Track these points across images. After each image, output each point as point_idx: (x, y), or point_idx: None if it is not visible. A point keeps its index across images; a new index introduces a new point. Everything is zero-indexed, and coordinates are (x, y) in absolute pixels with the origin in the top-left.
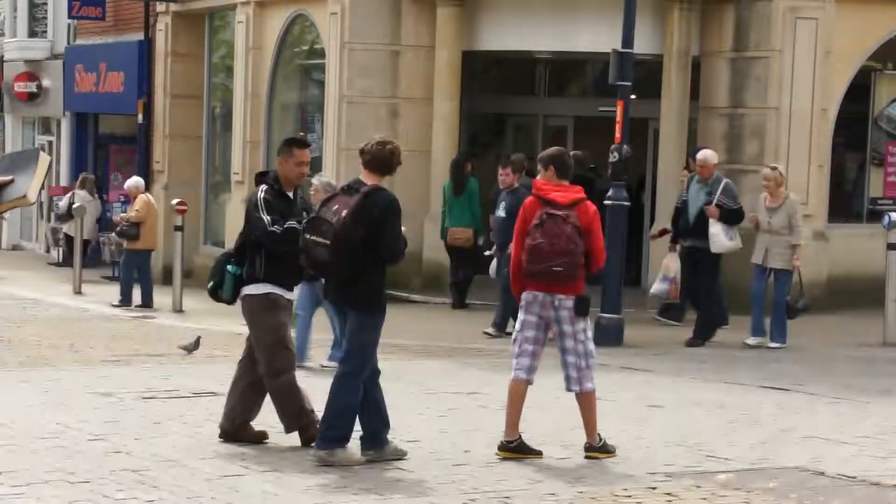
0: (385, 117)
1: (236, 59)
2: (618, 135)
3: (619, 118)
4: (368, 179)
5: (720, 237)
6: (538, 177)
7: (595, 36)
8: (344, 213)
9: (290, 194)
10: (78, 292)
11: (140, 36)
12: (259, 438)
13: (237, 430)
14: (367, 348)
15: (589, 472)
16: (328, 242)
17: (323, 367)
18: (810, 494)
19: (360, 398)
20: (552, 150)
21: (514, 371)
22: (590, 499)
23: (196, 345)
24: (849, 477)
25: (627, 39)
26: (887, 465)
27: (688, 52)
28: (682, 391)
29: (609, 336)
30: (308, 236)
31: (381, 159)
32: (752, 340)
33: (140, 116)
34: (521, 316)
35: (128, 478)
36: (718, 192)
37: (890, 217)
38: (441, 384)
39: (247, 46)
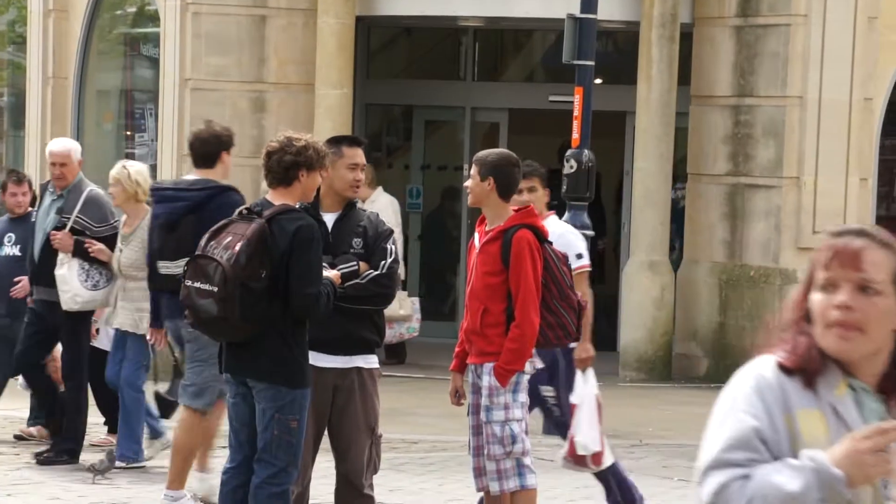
0: (246, 110)
1: (30, 25)
2: (576, 135)
3: (577, 112)
4: (275, 199)
5: (73, 283)
6: (490, 197)
7: None
8: (238, 247)
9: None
10: None
11: None
12: None
13: None
14: (295, 437)
15: None
16: (216, 290)
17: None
18: None
19: None
20: (503, 153)
21: (531, 475)
22: None
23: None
24: None
25: (589, 1)
26: None
27: (675, 18)
28: (669, 499)
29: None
30: (189, 283)
31: (269, 167)
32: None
33: None
34: (524, 398)
35: None
36: (76, 209)
37: None
38: None
39: (46, 8)
